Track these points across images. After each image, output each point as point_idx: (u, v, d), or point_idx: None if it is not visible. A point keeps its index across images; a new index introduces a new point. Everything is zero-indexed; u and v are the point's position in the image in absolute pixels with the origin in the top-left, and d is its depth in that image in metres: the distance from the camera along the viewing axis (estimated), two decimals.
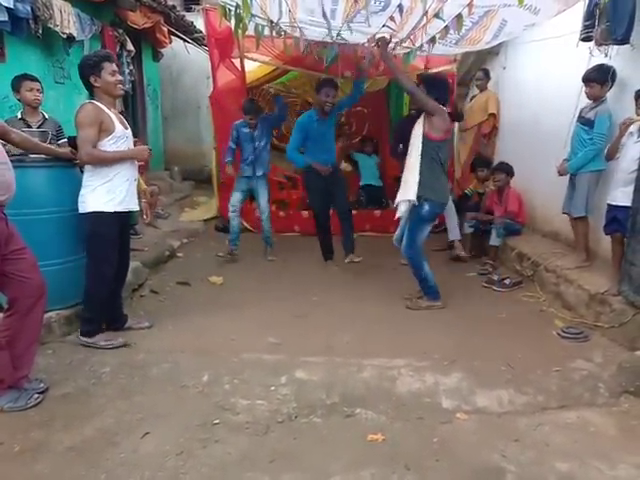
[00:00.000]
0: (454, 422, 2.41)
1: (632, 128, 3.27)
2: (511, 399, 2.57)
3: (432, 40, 3.72)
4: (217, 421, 2.33)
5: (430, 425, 2.37)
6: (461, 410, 2.49)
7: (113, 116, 2.90)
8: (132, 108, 7.57)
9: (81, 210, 2.93)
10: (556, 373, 2.78)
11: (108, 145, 2.88)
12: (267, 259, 5.00)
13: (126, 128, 3.00)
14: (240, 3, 3.09)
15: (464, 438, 2.29)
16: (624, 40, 3.47)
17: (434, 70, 5.86)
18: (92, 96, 2.90)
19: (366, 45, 4.22)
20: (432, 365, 2.85)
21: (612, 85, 3.74)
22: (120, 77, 2.98)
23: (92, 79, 2.85)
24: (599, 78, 3.67)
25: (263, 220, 5.00)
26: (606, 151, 3.49)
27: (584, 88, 3.80)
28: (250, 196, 5.14)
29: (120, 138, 2.93)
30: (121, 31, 6.06)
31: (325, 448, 2.19)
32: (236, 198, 4.93)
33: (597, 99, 3.77)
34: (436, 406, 2.51)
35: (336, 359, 2.89)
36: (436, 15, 3.13)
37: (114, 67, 2.91)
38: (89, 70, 2.84)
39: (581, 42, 3.72)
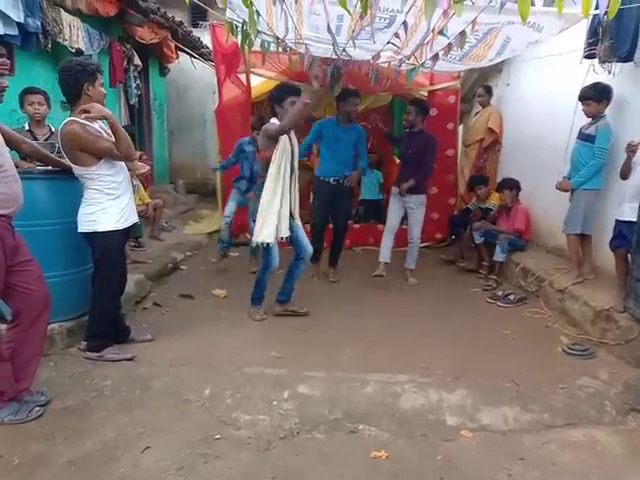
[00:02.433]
0: (458, 439, 2.38)
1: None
2: (516, 417, 2.54)
3: (436, 57, 3.74)
4: (218, 436, 2.31)
5: (434, 442, 2.34)
6: (466, 427, 2.46)
7: (98, 128, 2.83)
8: (138, 122, 7.65)
9: (90, 229, 2.86)
10: (562, 390, 2.74)
11: (105, 168, 2.82)
12: (251, 271, 4.88)
13: (111, 136, 2.89)
14: (247, 20, 3.13)
15: (468, 456, 2.26)
16: (627, 58, 3.49)
17: (438, 87, 5.93)
18: (73, 109, 2.79)
19: (371, 62, 4.26)
20: (436, 381, 2.82)
21: (609, 102, 3.77)
22: (104, 90, 2.93)
23: (87, 87, 2.76)
24: (595, 96, 3.71)
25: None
26: (619, 170, 3.48)
27: (581, 106, 3.83)
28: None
29: None
30: (129, 46, 6.15)
31: (328, 465, 2.16)
32: (230, 209, 4.98)
33: (595, 116, 3.81)
34: (440, 423, 2.49)
35: (338, 374, 2.87)
36: (440, 32, 3.15)
37: (102, 80, 2.89)
38: (86, 77, 2.74)
39: (584, 59, 3.74)
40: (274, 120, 3.57)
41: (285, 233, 3.58)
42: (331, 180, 4.60)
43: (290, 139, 3.54)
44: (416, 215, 4.71)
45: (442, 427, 2.46)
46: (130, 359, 3.00)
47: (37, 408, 2.42)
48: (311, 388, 2.69)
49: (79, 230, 2.89)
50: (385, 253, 4.87)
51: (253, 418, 2.45)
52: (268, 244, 3.54)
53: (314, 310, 3.97)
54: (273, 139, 3.45)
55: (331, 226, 4.89)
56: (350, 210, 4.95)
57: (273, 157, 3.46)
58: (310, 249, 3.84)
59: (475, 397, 2.66)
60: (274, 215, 3.49)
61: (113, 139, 2.83)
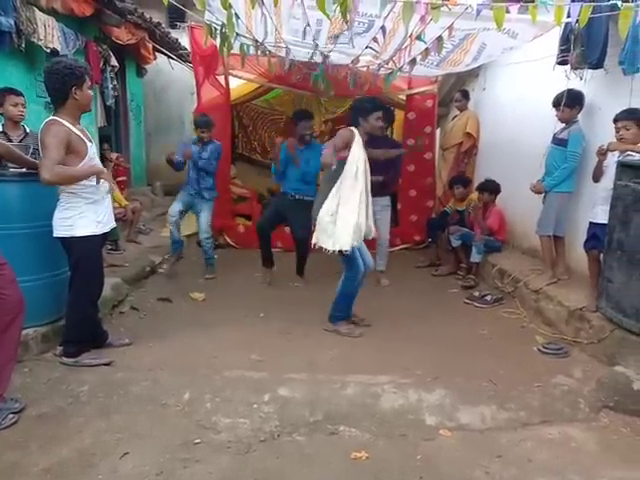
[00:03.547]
0: (437, 439, 2.41)
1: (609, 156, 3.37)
2: (493, 415, 2.58)
3: (413, 61, 3.81)
4: (198, 440, 2.30)
5: (413, 442, 2.37)
6: (444, 427, 2.50)
7: (80, 134, 2.78)
8: (115, 123, 7.53)
9: (66, 234, 2.80)
10: (537, 389, 2.80)
11: None
12: (205, 277, 4.87)
13: (91, 142, 2.89)
14: (226, 22, 3.13)
15: (447, 455, 2.29)
16: (598, 65, 3.60)
17: (415, 91, 6.01)
18: (57, 110, 2.76)
19: (350, 66, 4.30)
20: (415, 382, 2.85)
21: (581, 108, 3.89)
22: (92, 93, 2.91)
23: (74, 90, 2.71)
24: (568, 102, 3.82)
25: (203, 241, 4.88)
26: (592, 173, 3.58)
27: (554, 112, 3.94)
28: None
29: (93, 159, 2.85)
30: (105, 46, 6.05)
31: (308, 467, 2.17)
32: (175, 208, 4.81)
33: (567, 121, 3.92)
34: (419, 423, 2.52)
35: (319, 376, 2.87)
36: (418, 37, 3.21)
37: (89, 82, 2.85)
38: (73, 80, 2.69)
39: (557, 65, 3.85)
40: (352, 129, 3.44)
41: (359, 240, 3.44)
42: (290, 194, 4.70)
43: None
44: (382, 217, 4.72)
45: (421, 427, 2.49)
46: (107, 364, 2.95)
47: (11, 415, 2.36)
48: (292, 390, 2.69)
49: (55, 235, 2.83)
50: (381, 263, 4.91)
51: (233, 421, 2.44)
52: (347, 251, 3.36)
53: (292, 313, 3.97)
54: (346, 146, 3.33)
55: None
56: (307, 225, 4.85)
57: (350, 158, 3.32)
58: (372, 263, 3.75)
59: (453, 397, 2.70)
60: (350, 220, 3.33)
61: (87, 143, 2.79)
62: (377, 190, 4.48)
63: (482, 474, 2.16)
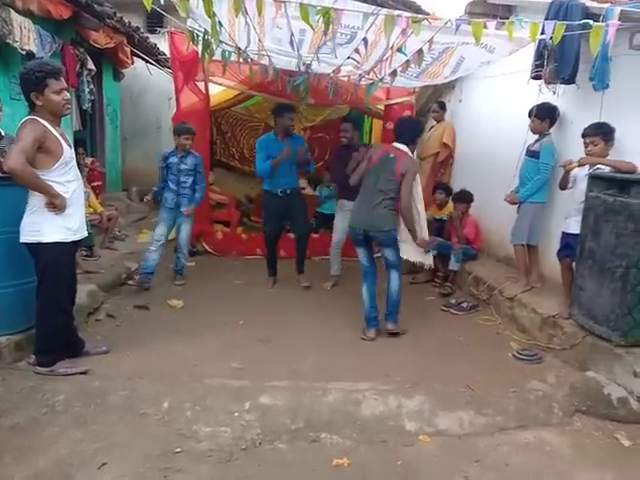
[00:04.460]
0: (417, 445, 2.45)
1: (577, 169, 3.50)
2: (471, 420, 2.64)
3: (394, 73, 3.87)
4: (178, 449, 2.28)
5: (394, 448, 2.40)
6: (424, 432, 2.54)
7: (59, 136, 2.72)
8: (91, 128, 7.41)
9: (34, 239, 2.72)
10: (513, 394, 2.87)
11: (57, 174, 2.71)
12: (175, 283, 4.86)
13: (70, 147, 2.84)
14: (209, 29, 3.14)
15: (427, 460, 2.33)
16: (570, 80, 3.73)
17: (394, 101, 6.11)
18: (33, 110, 2.70)
19: (331, 75, 4.34)
20: (395, 388, 2.88)
21: (553, 122, 4.05)
22: (68, 95, 2.78)
23: (33, 96, 2.63)
24: (539, 114, 3.97)
25: (179, 255, 4.85)
26: (558, 183, 3.73)
27: (529, 123, 4.08)
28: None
29: (68, 163, 2.79)
30: (82, 50, 5.96)
31: (290, 474, 2.17)
32: (160, 231, 4.64)
33: (538, 133, 4.08)
34: (400, 429, 2.55)
35: (301, 383, 2.88)
36: (399, 49, 3.27)
37: (62, 84, 2.70)
38: (30, 87, 2.63)
39: (531, 80, 3.97)
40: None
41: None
42: (278, 192, 4.69)
43: None
44: None
45: (401, 433, 2.52)
46: (84, 373, 2.89)
47: None
48: (273, 398, 2.69)
49: (21, 240, 2.75)
50: (335, 267, 5.06)
51: (214, 430, 2.43)
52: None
53: (273, 320, 3.97)
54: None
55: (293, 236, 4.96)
56: (305, 219, 5.00)
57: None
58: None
59: (432, 402, 2.74)
60: (424, 228, 3.83)
61: (65, 146, 2.75)
62: None
63: (461, 479, 2.20)
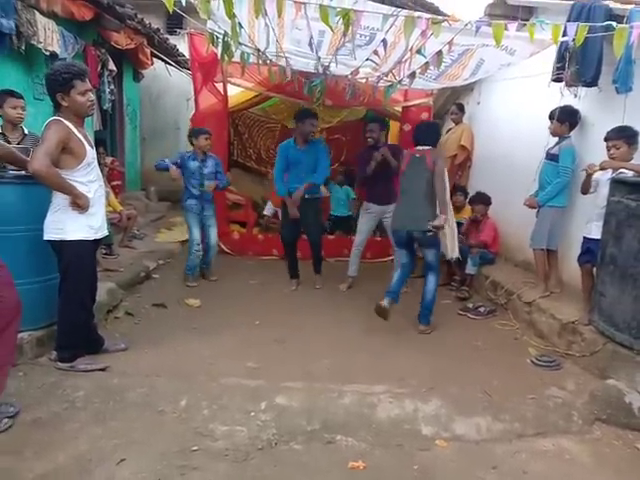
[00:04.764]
0: (433, 449, 2.43)
1: (599, 173, 3.45)
2: (489, 426, 2.61)
3: (413, 75, 3.86)
4: (195, 447, 2.29)
5: (410, 452, 2.39)
6: (440, 437, 2.51)
7: (82, 137, 2.77)
8: (111, 128, 7.51)
9: (58, 237, 2.78)
10: (531, 400, 2.83)
11: (80, 175, 2.77)
12: (210, 279, 5.02)
13: (92, 147, 2.89)
14: (229, 31, 3.16)
15: (443, 465, 2.31)
16: (592, 83, 3.68)
17: (411, 103, 6.08)
18: (58, 111, 2.76)
19: (349, 77, 4.34)
20: (411, 392, 2.86)
21: (573, 125, 3.99)
22: (92, 97, 2.83)
23: (59, 97, 2.69)
24: (559, 116, 3.92)
25: (211, 255, 4.98)
26: (580, 187, 3.67)
27: (549, 126, 4.04)
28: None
29: (91, 163, 2.84)
30: (103, 50, 6.06)
31: (306, 476, 2.17)
32: (197, 236, 4.77)
33: (557, 136, 4.03)
34: (416, 433, 2.53)
35: (316, 385, 2.88)
36: (418, 51, 3.26)
37: (87, 85, 2.75)
38: (57, 87, 2.68)
39: (552, 82, 3.92)
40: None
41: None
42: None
43: None
44: None
45: (418, 437, 2.51)
46: (103, 369, 2.93)
47: (5, 420, 2.34)
48: (289, 399, 2.69)
49: (45, 238, 2.81)
50: (353, 268, 5.05)
51: (230, 429, 2.44)
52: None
53: (288, 320, 3.98)
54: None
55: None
56: (319, 223, 4.98)
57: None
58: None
59: (449, 407, 2.72)
60: (454, 228, 4.09)
61: (87, 147, 2.79)
62: (386, 198, 4.57)
63: None
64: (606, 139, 3.41)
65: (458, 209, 5.34)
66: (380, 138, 4.85)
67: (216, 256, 5.22)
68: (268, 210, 6.64)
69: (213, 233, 4.90)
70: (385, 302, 3.77)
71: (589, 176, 3.51)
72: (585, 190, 3.62)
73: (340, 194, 6.88)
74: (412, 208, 3.83)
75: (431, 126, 4.29)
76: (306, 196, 4.67)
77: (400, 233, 3.91)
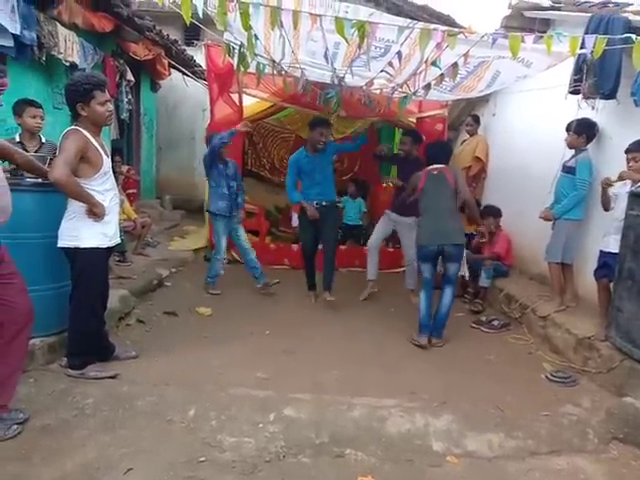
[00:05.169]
0: (444, 465, 2.38)
1: (617, 185, 3.40)
2: (501, 443, 2.55)
3: (428, 86, 3.85)
4: (203, 458, 2.27)
5: (420, 468, 2.34)
6: (451, 453, 2.46)
7: (99, 146, 2.81)
8: (128, 137, 7.62)
9: (72, 244, 2.80)
10: (545, 417, 2.77)
11: (97, 184, 2.81)
12: (271, 283, 5.02)
13: (108, 157, 2.93)
14: (245, 42, 3.19)
15: None
16: (610, 95, 3.64)
17: (426, 114, 6.07)
18: (76, 120, 2.80)
19: (364, 88, 4.35)
20: (422, 406, 2.82)
21: (590, 138, 3.94)
22: (111, 107, 2.88)
23: (79, 107, 2.74)
24: (575, 129, 3.88)
25: (251, 259, 4.97)
26: (600, 202, 3.61)
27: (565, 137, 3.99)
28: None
29: (107, 173, 2.88)
30: (122, 61, 6.16)
31: None
32: (224, 245, 4.84)
33: (574, 148, 3.98)
34: (426, 448, 2.48)
35: (325, 397, 2.85)
36: (433, 63, 3.25)
37: (106, 96, 2.80)
38: (77, 98, 2.73)
39: (569, 95, 3.88)
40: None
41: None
42: (314, 204, 4.66)
43: None
44: (408, 237, 4.72)
45: (428, 452, 2.46)
46: (113, 377, 2.93)
47: (15, 426, 2.35)
48: (297, 411, 2.66)
49: (59, 245, 2.83)
50: (372, 271, 5.00)
51: (238, 440, 2.42)
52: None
53: (299, 331, 3.96)
54: None
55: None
56: (335, 231, 4.96)
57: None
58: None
59: (460, 423, 2.67)
60: None
61: (104, 157, 2.83)
62: (406, 210, 4.55)
63: None
64: (626, 151, 3.37)
65: (470, 221, 5.30)
66: (412, 151, 4.85)
67: (227, 265, 5.23)
68: (295, 221, 6.59)
69: (243, 236, 4.95)
70: (423, 340, 3.83)
71: (605, 189, 3.46)
72: (606, 206, 3.55)
73: (352, 205, 6.89)
74: (441, 223, 3.85)
75: (445, 146, 4.49)
76: (323, 202, 4.67)
77: (430, 248, 3.88)
